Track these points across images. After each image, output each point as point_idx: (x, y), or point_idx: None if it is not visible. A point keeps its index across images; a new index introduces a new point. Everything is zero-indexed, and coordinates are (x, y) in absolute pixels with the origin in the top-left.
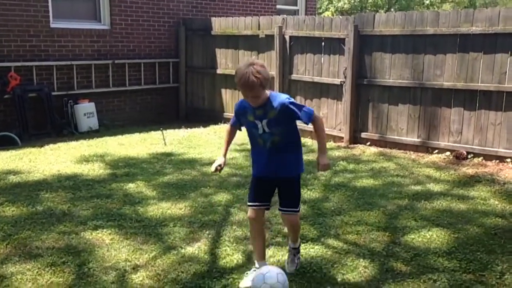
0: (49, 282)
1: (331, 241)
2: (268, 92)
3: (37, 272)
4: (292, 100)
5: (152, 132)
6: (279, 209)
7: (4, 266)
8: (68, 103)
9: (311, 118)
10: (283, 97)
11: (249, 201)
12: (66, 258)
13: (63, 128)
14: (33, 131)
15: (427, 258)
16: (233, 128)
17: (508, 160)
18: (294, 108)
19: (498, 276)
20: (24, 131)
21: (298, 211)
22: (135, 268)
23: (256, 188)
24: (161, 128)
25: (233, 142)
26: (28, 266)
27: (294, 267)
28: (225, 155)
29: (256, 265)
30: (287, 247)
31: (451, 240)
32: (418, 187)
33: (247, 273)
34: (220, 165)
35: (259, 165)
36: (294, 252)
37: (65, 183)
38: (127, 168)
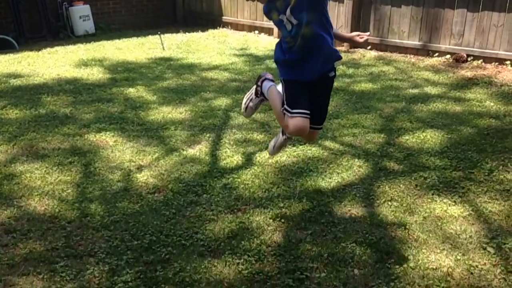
0: (57, 180)
1: (328, 143)
2: None
3: (45, 171)
4: None
5: (150, 36)
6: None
7: (13, 165)
8: (63, 5)
9: None
10: None
11: (298, 108)
12: (72, 158)
13: (59, 32)
14: (29, 34)
15: (420, 157)
16: None
17: (508, 62)
18: None
19: (486, 173)
20: (21, 34)
21: None
22: (139, 168)
23: (300, 92)
24: (159, 32)
25: (232, 46)
26: (36, 166)
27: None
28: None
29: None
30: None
31: (444, 141)
32: (415, 90)
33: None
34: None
35: (298, 70)
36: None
37: (66, 87)
38: (126, 73)
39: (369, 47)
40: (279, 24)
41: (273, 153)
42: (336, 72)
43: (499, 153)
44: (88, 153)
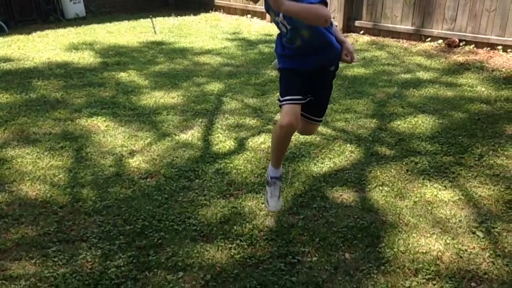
0: (48, 165)
1: (320, 128)
2: None
3: (36, 156)
4: None
5: (141, 20)
6: (308, 117)
7: (3, 150)
8: None
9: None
10: None
11: (288, 95)
12: (64, 143)
13: (49, 15)
14: (19, 17)
15: (411, 142)
16: None
17: (499, 47)
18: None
19: (477, 158)
20: (10, 17)
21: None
22: (131, 153)
23: (293, 80)
24: (151, 16)
25: (224, 30)
26: (27, 151)
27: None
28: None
29: (271, 173)
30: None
31: (435, 126)
32: (407, 75)
33: (266, 191)
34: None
35: (296, 60)
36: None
37: (56, 71)
38: (117, 57)
39: (361, 32)
40: (277, 24)
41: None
42: (338, 66)
43: (490, 138)
44: (79, 138)
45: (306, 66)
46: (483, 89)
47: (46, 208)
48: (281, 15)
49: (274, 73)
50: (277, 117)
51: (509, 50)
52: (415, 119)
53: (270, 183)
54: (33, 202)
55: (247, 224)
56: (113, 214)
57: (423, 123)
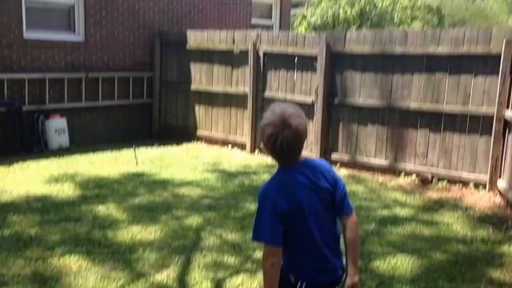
0: None
1: None
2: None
3: None
4: (262, 211)
5: (124, 150)
6: None
7: None
8: (39, 118)
9: None
10: (261, 193)
11: None
12: (32, 286)
13: (33, 146)
14: (1, 149)
15: (392, 286)
16: None
17: (471, 184)
18: (254, 226)
19: None
20: None
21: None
22: None
23: None
24: (134, 146)
25: (205, 161)
26: None
27: None
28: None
29: None
30: None
31: (414, 267)
32: (385, 212)
33: None
34: None
35: None
36: None
37: (34, 205)
38: (97, 189)
39: (338, 164)
40: None
41: None
42: None
43: (469, 282)
44: (49, 280)
45: None
46: (459, 228)
47: None
48: None
49: (253, 207)
50: (256, 254)
51: (480, 187)
52: (395, 259)
53: None
54: None
55: None
56: None
57: (403, 264)
